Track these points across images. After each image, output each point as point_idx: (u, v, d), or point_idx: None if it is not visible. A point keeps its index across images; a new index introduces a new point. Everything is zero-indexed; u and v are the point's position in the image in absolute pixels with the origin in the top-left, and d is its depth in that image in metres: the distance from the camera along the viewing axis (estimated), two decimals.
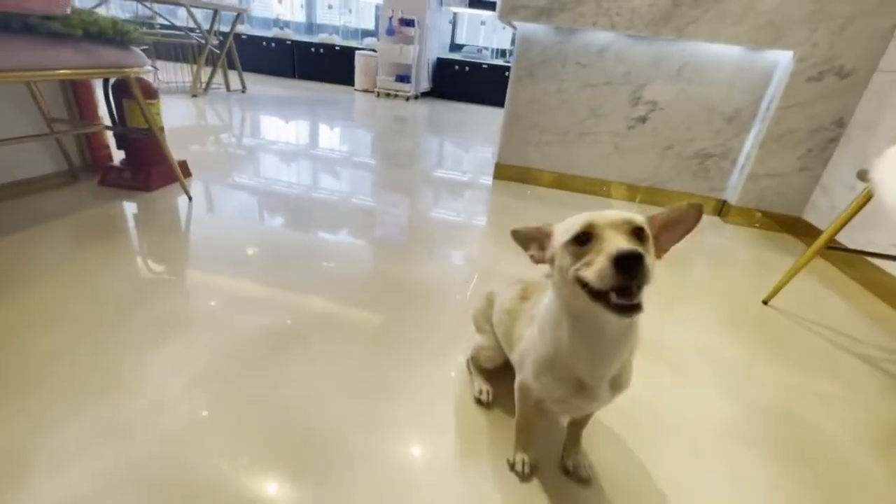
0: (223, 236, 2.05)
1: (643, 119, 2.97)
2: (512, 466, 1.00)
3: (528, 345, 0.88)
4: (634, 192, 3.17)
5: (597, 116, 3.03)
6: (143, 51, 2.05)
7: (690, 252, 2.42)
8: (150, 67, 2.08)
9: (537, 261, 0.80)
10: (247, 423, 1.09)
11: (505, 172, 3.33)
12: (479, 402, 1.18)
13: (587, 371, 0.77)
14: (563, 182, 3.25)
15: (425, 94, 7.72)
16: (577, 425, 1.01)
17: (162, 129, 2.34)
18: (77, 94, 2.32)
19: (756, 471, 1.10)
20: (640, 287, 0.62)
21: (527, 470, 0.98)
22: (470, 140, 4.86)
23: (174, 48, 5.51)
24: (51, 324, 1.34)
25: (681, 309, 1.83)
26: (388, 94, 7.20)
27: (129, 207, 2.20)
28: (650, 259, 0.65)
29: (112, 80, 2.23)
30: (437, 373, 1.31)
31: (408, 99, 7.14)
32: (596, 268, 0.63)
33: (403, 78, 7.09)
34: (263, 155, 3.47)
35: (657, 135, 2.99)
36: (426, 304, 1.66)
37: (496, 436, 1.10)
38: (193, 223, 2.16)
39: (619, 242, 0.63)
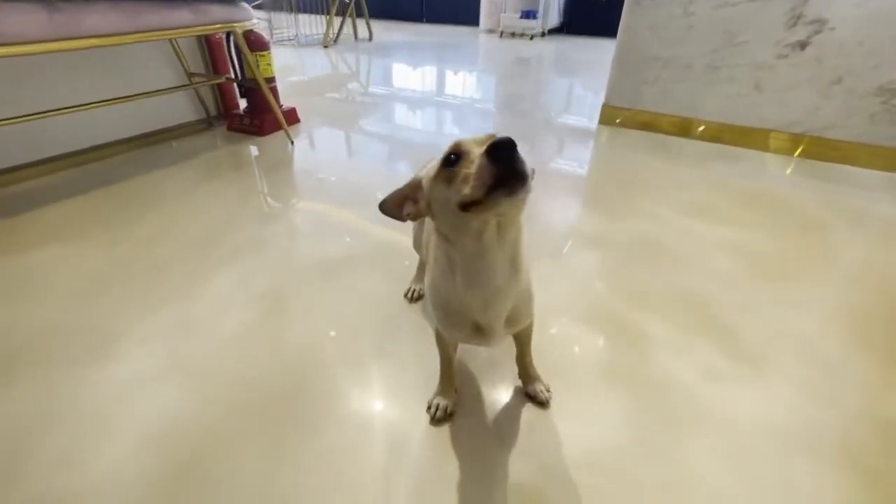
0: (314, 177, 2.26)
1: (802, 45, 2.29)
2: (428, 409, 1.02)
3: (429, 285, 0.85)
4: (783, 142, 2.53)
5: (734, 45, 2.43)
6: (275, 5, 2.25)
7: (839, 217, 1.88)
8: (255, 21, 2.30)
9: (415, 216, 0.75)
10: (286, 336, 1.24)
11: (613, 116, 2.95)
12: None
13: (481, 315, 0.77)
14: (684, 128, 2.75)
15: (554, 31, 7.08)
16: (520, 357, 1.06)
17: (271, 79, 2.61)
18: (210, 49, 2.70)
19: (814, 493, 0.88)
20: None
21: (439, 414, 1.00)
22: (594, 81, 4.37)
23: (312, 1, 5.94)
24: (164, 240, 1.68)
25: (787, 289, 1.46)
26: (512, 34, 6.80)
27: (243, 150, 2.55)
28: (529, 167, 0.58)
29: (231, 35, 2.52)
30: None
31: (532, 38, 6.64)
32: (469, 180, 0.58)
33: (529, 14, 6.58)
34: (376, 102, 3.65)
35: (821, 65, 2.29)
36: None
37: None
38: (291, 165, 2.41)
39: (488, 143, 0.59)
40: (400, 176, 2.22)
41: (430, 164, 0.72)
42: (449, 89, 4.12)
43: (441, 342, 0.99)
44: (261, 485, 0.89)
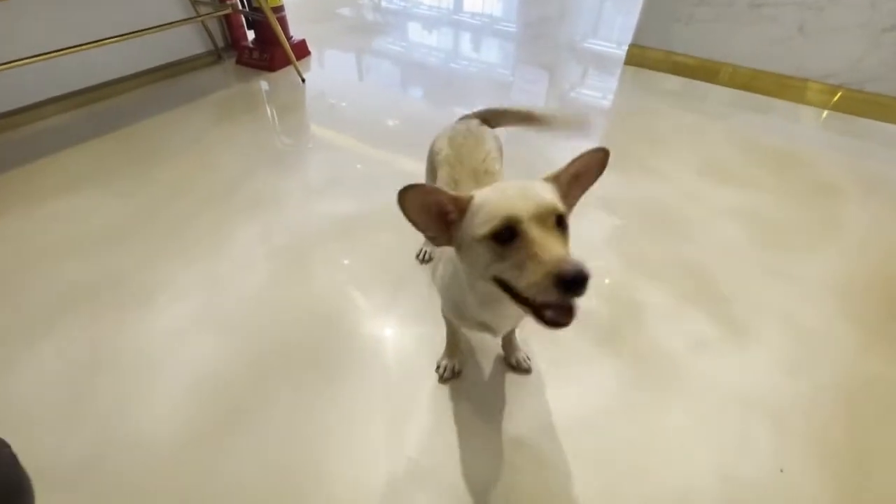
0: (328, 113, 2.24)
1: None
2: (437, 369, 1.13)
3: (440, 287, 0.88)
4: (820, 95, 2.38)
5: None
6: None
7: (856, 183, 1.84)
8: None
9: (439, 244, 0.67)
10: (306, 290, 1.34)
11: (641, 57, 2.77)
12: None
13: (490, 322, 0.80)
14: (714, 73, 2.59)
15: None
16: (507, 335, 1.12)
17: (279, 7, 2.47)
18: None
19: (767, 452, 0.99)
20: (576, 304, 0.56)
21: (447, 374, 1.11)
22: (627, 1, 4.03)
23: None
24: (183, 191, 1.73)
25: (787, 259, 1.50)
26: None
27: (254, 88, 2.50)
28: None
29: None
30: None
31: None
32: (532, 280, 0.55)
33: None
34: (388, 21, 3.45)
35: (876, 8, 2.09)
36: None
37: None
38: (304, 104, 2.37)
39: (554, 248, 0.56)
40: (417, 104, 2.19)
41: (487, 205, 0.61)
42: (468, 6, 3.85)
43: (449, 321, 1.05)
44: (290, 426, 1.03)
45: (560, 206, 0.61)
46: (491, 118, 1.17)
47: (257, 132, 2.12)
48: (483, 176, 0.97)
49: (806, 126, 2.28)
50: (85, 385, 1.11)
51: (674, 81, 2.67)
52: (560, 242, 0.58)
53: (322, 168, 1.91)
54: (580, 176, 0.71)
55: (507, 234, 0.58)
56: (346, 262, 1.46)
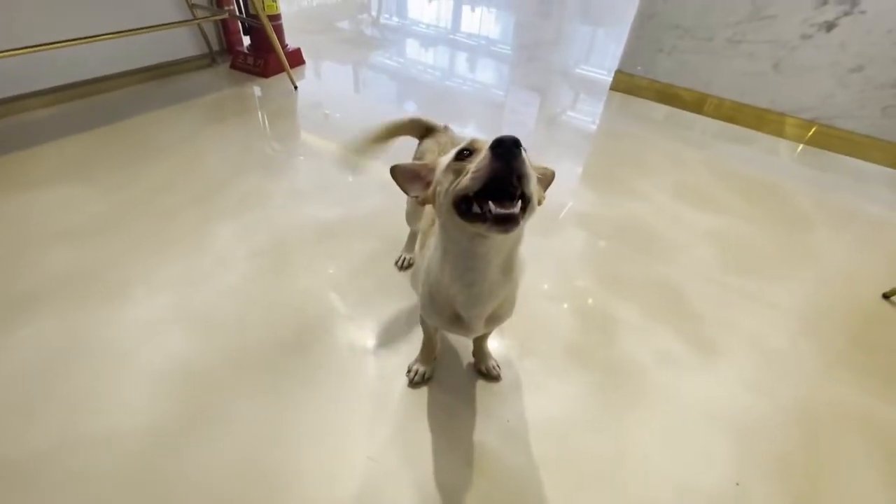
0: (319, 122, 2.27)
1: (829, 26, 2.20)
2: (407, 372, 1.14)
3: (420, 276, 0.90)
4: (796, 129, 2.49)
5: (760, 19, 2.33)
6: None
7: (829, 216, 1.92)
8: None
9: (423, 200, 0.75)
10: (285, 292, 1.35)
11: (627, 83, 2.87)
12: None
13: (464, 309, 0.81)
14: (697, 103, 2.70)
15: None
16: (478, 342, 1.14)
17: (276, 16, 2.52)
18: None
19: (725, 466, 1.02)
20: (520, 197, 0.60)
21: (417, 379, 1.13)
22: (620, 31, 4.18)
23: None
24: (170, 188, 1.74)
25: (758, 284, 1.55)
26: None
27: (247, 92, 2.53)
28: (533, 180, 0.62)
29: None
30: None
31: None
32: (472, 173, 0.60)
33: None
34: (386, 36, 3.52)
35: (844, 50, 2.21)
36: None
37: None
38: (295, 111, 2.40)
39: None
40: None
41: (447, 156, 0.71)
42: (465, 26, 3.96)
43: (424, 322, 1.07)
44: (261, 425, 1.02)
45: (522, 145, 0.64)
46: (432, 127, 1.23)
47: (247, 136, 2.14)
48: None
49: (782, 159, 2.38)
50: (53, 376, 1.09)
51: (660, 110, 2.76)
52: None
53: (310, 174, 1.93)
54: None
55: (467, 153, 0.65)
56: (325, 265, 1.47)
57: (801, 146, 2.48)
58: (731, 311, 1.43)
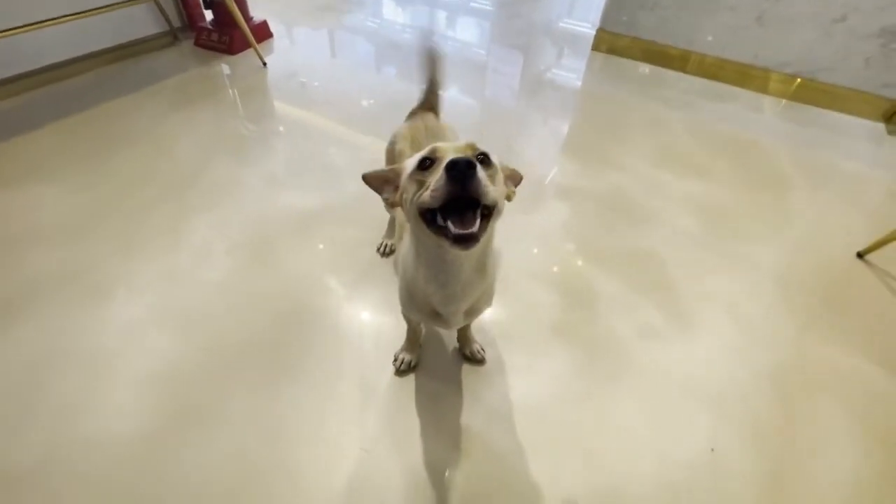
0: (300, 99, 2.19)
1: None
2: (394, 361, 1.16)
3: (399, 266, 0.91)
4: (779, 85, 2.45)
5: None
6: None
7: (807, 174, 1.93)
8: None
9: (392, 203, 0.75)
10: (263, 284, 1.35)
11: (609, 42, 2.78)
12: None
13: (441, 307, 0.82)
14: (679, 60, 2.63)
15: None
16: (462, 328, 1.15)
17: None
18: None
19: (702, 434, 1.07)
20: (479, 213, 0.60)
21: (403, 367, 1.15)
22: None
23: None
24: (142, 182, 1.68)
25: (735, 249, 1.57)
26: None
27: (213, 72, 2.41)
28: (495, 187, 0.61)
29: None
30: None
31: None
32: (431, 188, 0.60)
33: None
34: (363, 2, 3.36)
35: None
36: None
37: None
38: (265, 90, 2.31)
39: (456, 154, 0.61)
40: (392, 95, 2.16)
41: (416, 155, 0.70)
42: None
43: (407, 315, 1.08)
44: (251, 419, 1.05)
45: (484, 148, 0.66)
46: (431, 100, 1.21)
47: (217, 119, 2.07)
48: None
49: (764, 115, 2.36)
50: (36, 383, 1.09)
51: (642, 69, 2.70)
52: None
53: (285, 157, 1.88)
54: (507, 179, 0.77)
55: (428, 162, 0.65)
56: (306, 256, 1.46)
57: (783, 101, 2.45)
58: (710, 278, 1.46)
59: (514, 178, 0.79)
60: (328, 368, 1.16)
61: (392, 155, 1.14)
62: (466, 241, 0.59)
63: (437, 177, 0.60)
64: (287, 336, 1.23)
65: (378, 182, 0.76)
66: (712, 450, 1.04)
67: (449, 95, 2.24)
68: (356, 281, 1.39)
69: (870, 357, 1.26)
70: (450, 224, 0.59)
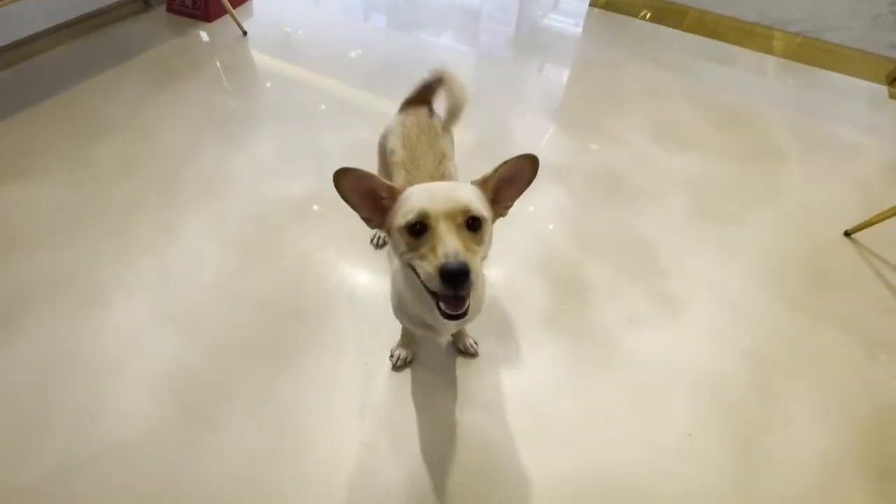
0: (286, 55, 2.11)
1: None
2: (390, 357, 1.21)
3: (391, 284, 0.94)
4: (782, 44, 2.36)
5: None
6: None
7: (802, 144, 1.91)
8: None
9: (373, 226, 0.73)
10: (258, 282, 1.36)
11: None
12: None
13: (432, 321, 0.85)
14: (679, 16, 2.51)
15: None
16: None
17: None
18: None
19: (681, 419, 1.14)
20: (468, 295, 0.64)
21: (399, 363, 1.20)
22: None
23: None
24: (127, 176, 1.65)
25: (725, 230, 1.58)
26: None
27: (190, 43, 2.28)
28: (478, 262, 0.64)
29: None
30: None
31: None
32: (427, 269, 0.62)
33: None
34: None
35: None
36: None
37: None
38: (248, 61, 2.20)
39: (449, 245, 0.61)
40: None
41: (411, 198, 0.67)
42: None
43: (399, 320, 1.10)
44: (255, 417, 1.10)
45: (475, 209, 0.66)
46: (426, 95, 1.15)
47: (200, 97, 1.98)
48: (440, 181, 0.98)
49: (765, 79, 2.29)
50: (47, 395, 1.13)
51: (640, 27, 2.57)
52: (463, 240, 0.63)
53: (274, 141, 1.82)
54: (512, 180, 0.74)
55: (419, 228, 0.64)
56: (299, 250, 1.46)
57: (785, 62, 2.36)
58: (698, 261, 1.49)
59: (519, 178, 0.75)
60: (328, 366, 1.21)
61: (384, 150, 1.12)
62: (455, 318, 0.65)
63: (431, 259, 0.62)
64: (285, 332, 1.26)
65: (359, 189, 0.69)
66: (689, 435, 1.12)
67: (442, 42, 2.17)
68: (350, 274, 1.41)
69: (849, 338, 1.32)
70: (442, 305, 0.65)
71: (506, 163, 0.72)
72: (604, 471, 1.06)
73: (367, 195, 0.70)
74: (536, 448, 1.09)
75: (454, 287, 0.60)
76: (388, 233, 0.72)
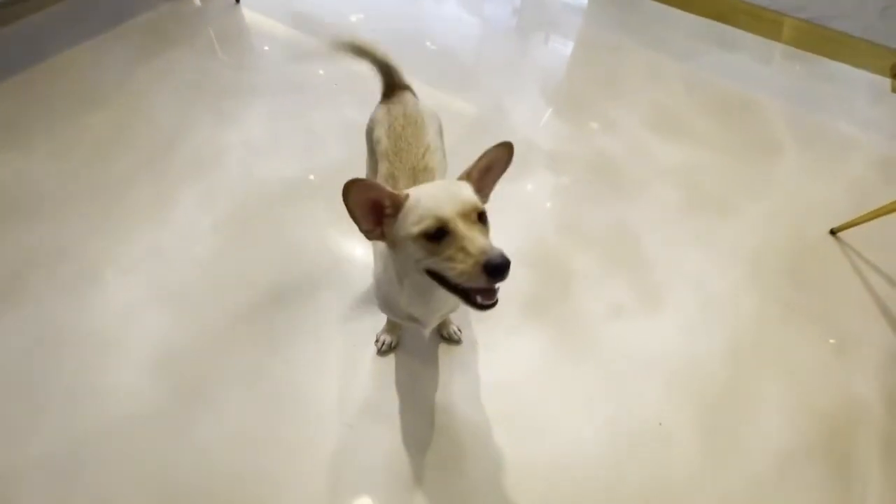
0: (271, 46, 2.06)
1: None
2: (376, 342, 1.24)
3: (374, 279, 0.96)
4: (790, 31, 2.30)
5: None
6: None
7: (797, 138, 1.90)
8: None
9: (372, 238, 0.73)
10: (248, 261, 1.38)
11: None
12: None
13: (419, 315, 0.89)
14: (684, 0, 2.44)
15: None
16: None
17: None
18: None
19: (653, 409, 1.19)
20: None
21: (384, 348, 1.23)
22: None
23: None
24: (116, 150, 1.63)
25: (712, 224, 1.60)
26: None
27: (183, 9, 2.21)
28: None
29: None
30: None
31: None
32: (462, 268, 0.64)
33: None
34: None
35: None
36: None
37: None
38: (243, 30, 2.15)
39: (479, 241, 0.64)
40: None
41: (418, 207, 0.67)
42: None
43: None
44: (247, 393, 1.14)
45: (479, 204, 0.70)
46: (399, 80, 1.14)
47: (191, 68, 1.94)
48: (422, 173, 0.99)
49: (768, 67, 2.25)
50: (43, 374, 1.16)
51: (648, 5, 2.50)
52: (483, 235, 0.67)
53: (266, 120, 1.80)
54: (490, 169, 0.78)
55: (439, 233, 0.66)
56: (290, 231, 1.47)
57: (790, 49, 2.32)
58: (683, 255, 1.51)
59: (496, 166, 0.78)
60: (315, 348, 1.24)
61: (370, 138, 1.12)
62: (490, 308, 0.68)
63: (465, 260, 0.64)
64: (275, 311, 1.29)
65: (363, 200, 0.68)
66: (660, 424, 1.17)
67: (445, 11, 2.12)
68: (339, 260, 1.42)
69: (822, 335, 1.36)
70: (478, 298, 0.68)
71: (486, 154, 0.75)
72: (574, 453, 1.11)
73: (370, 207, 0.70)
74: (509, 433, 1.13)
75: (499, 279, 0.63)
76: (393, 243, 0.73)
